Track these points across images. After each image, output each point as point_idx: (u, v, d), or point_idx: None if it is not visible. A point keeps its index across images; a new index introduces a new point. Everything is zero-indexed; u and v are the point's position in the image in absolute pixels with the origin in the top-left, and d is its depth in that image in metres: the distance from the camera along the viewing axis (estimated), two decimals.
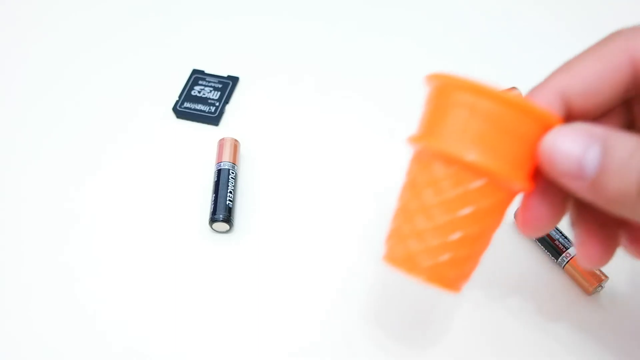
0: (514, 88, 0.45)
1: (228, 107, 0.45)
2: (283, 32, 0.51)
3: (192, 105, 0.45)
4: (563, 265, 0.36)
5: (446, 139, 0.24)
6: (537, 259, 0.37)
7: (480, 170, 0.23)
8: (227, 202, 0.38)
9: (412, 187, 0.25)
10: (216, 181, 0.39)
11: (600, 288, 0.35)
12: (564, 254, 0.36)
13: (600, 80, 0.25)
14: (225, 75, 0.47)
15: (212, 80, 0.47)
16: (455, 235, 0.24)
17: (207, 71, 0.47)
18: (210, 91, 0.46)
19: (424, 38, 0.51)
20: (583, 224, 0.27)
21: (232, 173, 0.40)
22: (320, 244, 0.38)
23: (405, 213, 0.25)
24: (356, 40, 0.51)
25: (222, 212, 0.38)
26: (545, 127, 0.24)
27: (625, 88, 0.25)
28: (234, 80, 0.47)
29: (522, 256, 0.37)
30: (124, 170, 0.41)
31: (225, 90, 0.46)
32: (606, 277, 0.35)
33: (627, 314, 0.35)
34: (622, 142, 0.22)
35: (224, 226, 0.38)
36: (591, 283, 0.35)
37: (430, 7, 0.54)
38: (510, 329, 0.34)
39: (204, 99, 0.45)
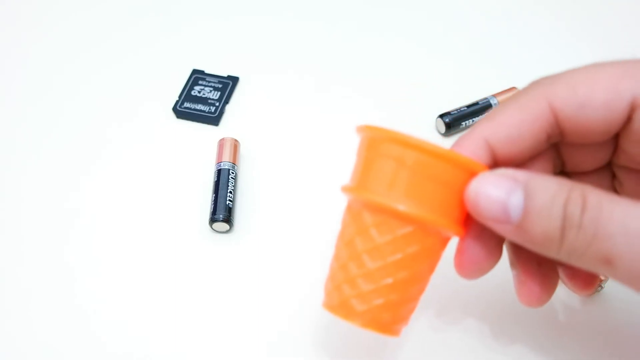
0: (513, 88, 0.45)
1: (228, 107, 0.45)
2: (283, 32, 0.51)
3: (192, 105, 0.45)
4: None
5: (374, 188, 0.25)
6: None
7: (407, 218, 0.24)
8: (227, 202, 0.38)
9: (344, 236, 0.26)
10: (216, 181, 0.39)
11: (600, 288, 0.35)
12: None
13: (521, 127, 0.25)
14: (225, 75, 0.47)
15: (212, 80, 0.47)
16: (387, 281, 0.25)
17: (207, 71, 0.47)
18: (210, 91, 0.46)
19: (424, 38, 0.51)
20: (521, 264, 0.27)
21: (232, 173, 0.40)
22: (321, 244, 0.38)
23: (339, 260, 0.27)
24: (356, 40, 0.51)
25: (222, 212, 0.38)
26: (471, 174, 0.24)
27: (546, 133, 0.26)
28: (234, 80, 0.47)
29: None
30: (124, 170, 0.41)
31: (225, 90, 0.46)
32: (606, 277, 0.35)
33: (627, 314, 0.35)
34: (544, 186, 0.23)
35: (224, 226, 0.38)
36: None
37: (430, 7, 0.54)
38: (509, 330, 0.34)
39: (204, 99, 0.45)
